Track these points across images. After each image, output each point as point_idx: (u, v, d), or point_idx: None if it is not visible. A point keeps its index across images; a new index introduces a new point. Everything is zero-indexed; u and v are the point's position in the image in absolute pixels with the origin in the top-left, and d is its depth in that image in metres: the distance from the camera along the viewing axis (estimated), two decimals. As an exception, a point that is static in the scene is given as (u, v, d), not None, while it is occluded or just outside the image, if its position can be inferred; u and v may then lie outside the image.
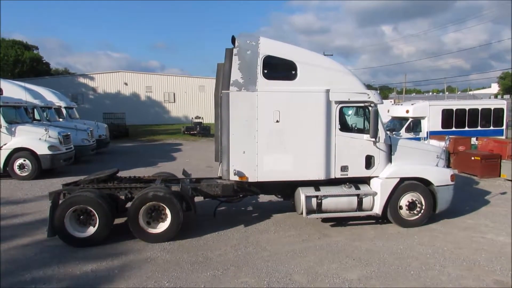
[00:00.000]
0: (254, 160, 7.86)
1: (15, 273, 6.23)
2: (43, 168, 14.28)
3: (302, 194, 7.95)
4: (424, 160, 8.68)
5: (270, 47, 7.89)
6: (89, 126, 20.27)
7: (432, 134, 18.65)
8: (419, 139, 18.68)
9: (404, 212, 8.38)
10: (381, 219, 8.71)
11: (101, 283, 5.89)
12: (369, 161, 8.20)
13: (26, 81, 24.46)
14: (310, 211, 8.01)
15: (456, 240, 7.74)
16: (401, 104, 22.27)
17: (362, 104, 8.22)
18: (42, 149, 14.33)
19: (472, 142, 17.24)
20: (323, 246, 7.38)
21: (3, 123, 14.04)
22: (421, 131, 19.13)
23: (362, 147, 8.17)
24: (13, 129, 14.24)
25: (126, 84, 50.73)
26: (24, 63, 56.39)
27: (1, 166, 13.99)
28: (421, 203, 8.40)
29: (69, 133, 16.43)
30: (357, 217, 8.64)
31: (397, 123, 20.12)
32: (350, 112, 9.16)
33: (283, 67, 8.04)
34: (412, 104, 19.92)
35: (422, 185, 8.42)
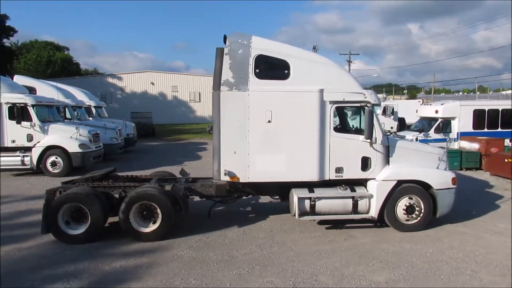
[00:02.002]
0: (245, 161, 7.77)
1: (48, 267, 6.44)
2: (73, 165, 14.71)
3: (295, 195, 7.82)
4: (424, 162, 8.34)
5: (262, 46, 7.78)
6: (118, 125, 20.74)
7: (463, 135, 18.12)
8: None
9: (401, 215, 8.10)
10: (378, 222, 8.48)
11: (130, 279, 6.01)
12: (365, 163, 7.98)
13: (57, 81, 25.28)
14: (303, 213, 7.85)
15: (488, 245, 7.50)
16: (430, 104, 21.75)
17: (358, 104, 8.01)
18: (73, 147, 14.78)
19: (505, 144, 16.66)
20: (349, 248, 7.30)
21: (37, 122, 14.53)
22: (451, 132, 18.62)
23: (358, 148, 7.95)
24: (46, 128, 14.73)
25: (153, 84, 51.62)
26: (55, 63, 58.18)
27: (35, 163, 14.48)
28: (420, 207, 8.09)
29: (98, 132, 16.85)
30: (354, 219, 8.38)
31: (425, 123, 19.66)
32: (346, 112, 8.95)
33: (275, 67, 7.94)
34: (441, 104, 19.42)
35: (421, 188, 8.12)
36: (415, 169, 8.17)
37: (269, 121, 7.70)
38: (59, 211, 7.36)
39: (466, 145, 17.47)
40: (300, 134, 7.75)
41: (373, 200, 7.95)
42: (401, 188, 8.04)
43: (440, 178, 8.22)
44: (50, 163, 14.64)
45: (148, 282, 5.87)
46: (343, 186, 8.03)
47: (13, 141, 14.40)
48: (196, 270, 6.30)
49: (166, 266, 6.45)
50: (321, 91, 7.73)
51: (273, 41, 8.07)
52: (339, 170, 7.90)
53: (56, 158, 14.66)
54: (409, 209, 8.07)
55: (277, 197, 8.83)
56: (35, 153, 14.52)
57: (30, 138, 14.49)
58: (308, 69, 7.82)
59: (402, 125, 24.02)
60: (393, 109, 24.99)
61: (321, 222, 8.55)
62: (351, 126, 9.04)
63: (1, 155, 14.37)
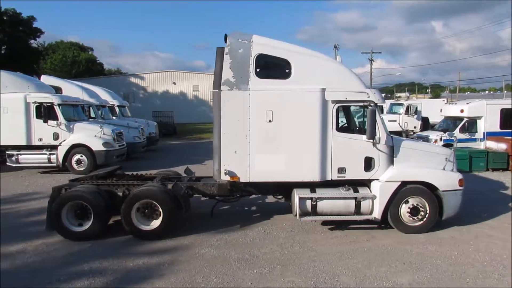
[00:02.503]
0: (245, 160, 7.74)
1: (74, 263, 6.60)
2: (98, 163, 15.00)
3: (296, 195, 7.75)
4: (430, 163, 8.12)
5: (263, 45, 7.72)
6: (140, 124, 21.08)
7: (490, 135, 17.65)
8: (474, 140, 17.78)
9: (406, 217, 7.93)
10: (382, 223, 8.32)
11: (153, 276, 6.11)
12: (368, 163, 7.84)
13: (82, 80, 25.84)
14: (304, 213, 7.77)
15: (516, 248, 7.29)
16: (455, 103, 21.25)
17: (361, 104, 7.87)
18: (97, 146, 15.10)
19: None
20: (372, 249, 7.21)
21: (63, 121, 14.90)
22: (476, 131, 18.15)
23: (361, 149, 7.81)
24: (71, 126, 15.10)
25: (174, 83, 52.22)
26: (80, 63, 59.52)
27: (61, 161, 14.87)
28: (425, 209, 7.90)
29: (122, 131, 17.17)
30: (357, 220, 8.23)
31: (450, 123, 19.23)
32: (350, 112, 8.78)
33: (276, 66, 7.86)
34: (467, 103, 18.94)
35: (427, 189, 7.92)
36: (420, 170, 8.00)
37: (269, 121, 7.66)
38: (63, 208, 7.50)
39: (492, 145, 17.01)
40: (301, 134, 7.69)
41: (376, 201, 7.82)
42: (405, 189, 7.89)
43: (446, 179, 8.01)
44: (75, 161, 15.00)
45: (171, 280, 5.95)
46: (346, 187, 7.92)
47: (40, 140, 14.82)
48: (218, 268, 6.35)
49: (188, 264, 6.52)
50: (323, 90, 7.64)
51: (274, 40, 7.99)
52: (341, 170, 7.80)
53: (81, 156, 15.00)
54: (414, 211, 7.90)
55: (280, 196, 8.78)
56: (61, 151, 14.90)
57: (56, 136, 14.88)
58: (309, 68, 7.74)
59: (426, 124, 23.63)
60: (416, 108, 24.51)
61: (342, 223, 8.47)
62: (358, 126, 8.88)
63: (29, 153, 14.82)
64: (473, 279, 5.99)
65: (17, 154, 14.78)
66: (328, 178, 7.81)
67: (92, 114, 19.74)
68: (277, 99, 7.65)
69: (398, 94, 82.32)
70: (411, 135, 22.62)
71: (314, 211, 7.76)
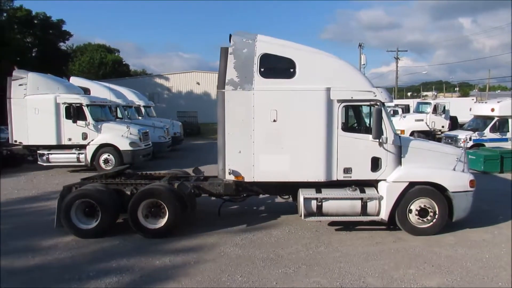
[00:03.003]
0: (250, 160, 7.71)
1: (103, 260, 6.76)
2: (124, 163, 15.25)
3: (301, 195, 7.67)
4: (440, 163, 7.89)
5: (267, 45, 7.68)
6: (165, 124, 21.40)
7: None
8: (506, 139, 17.21)
9: (414, 218, 7.73)
10: (390, 225, 8.14)
11: (179, 274, 6.18)
12: (375, 163, 7.68)
13: (109, 81, 26.45)
14: (309, 214, 7.69)
15: (551, 252, 7.01)
16: (485, 102, 20.63)
17: (367, 103, 7.72)
18: (124, 145, 15.42)
19: None
20: (399, 250, 7.08)
21: (91, 121, 15.28)
22: (508, 131, 17.58)
23: (368, 149, 7.67)
24: (99, 127, 15.47)
25: (198, 83, 52.64)
26: (107, 65, 60.81)
27: (89, 160, 15.25)
28: (434, 210, 7.68)
29: (147, 131, 17.46)
30: (366, 221, 8.02)
31: (480, 122, 18.70)
32: (360, 111, 8.63)
33: (281, 65, 7.77)
34: (498, 102, 18.36)
35: (436, 190, 7.69)
36: (429, 170, 7.80)
37: (274, 121, 7.62)
38: (72, 206, 7.67)
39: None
40: (306, 133, 7.63)
41: (383, 202, 7.67)
42: (414, 190, 7.70)
43: (456, 180, 7.78)
44: (103, 160, 15.35)
45: (197, 278, 6.01)
46: (353, 187, 7.79)
47: (70, 139, 15.24)
48: (243, 267, 6.37)
49: (213, 263, 6.57)
50: (328, 89, 7.56)
51: (279, 39, 7.95)
52: (347, 170, 7.70)
53: (109, 155, 15.35)
54: (422, 212, 7.70)
55: (287, 196, 8.74)
56: (89, 151, 15.29)
57: (85, 136, 15.27)
58: (314, 67, 7.67)
59: (454, 124, 23.03)
60: (444, 107, 23.89)
61: (368, 223, 8.34)
62: (365, 125, 8.75)
63: (59, 152, 15.27)
64: (506, 283, 5.80)
65: (48, 154, 15.25)
66: (334, 178, 7.73)
67: (119, 115, 20.17)
68: (281, 98, 7.63)
69: (425, 93, 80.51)
70: (439, 134, 22.09)
71: (320, 212, 7.69)
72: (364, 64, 51.32)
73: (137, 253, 7.00)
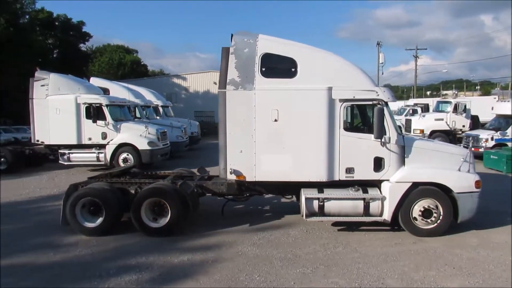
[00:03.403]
0: (251, 160, 7.70)
1: (123, 257, 6.86)
2: (143, 162, 15.50)
3: (302, 195, 7.62)
4: (445, 163, 7.75)
5: (269, 44, 7.67)
6: (183, 124, 21.57)
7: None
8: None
9: (418, 219, 7.61)
10: (394, 226, 8.02)
11: (197, 272, 6.23)
12: (378, 164, 7.58)
13: (127, 82, 26.79)
14: (311, 214, 7.64)
15: None
16: (508, 101, 20.12)
17: (370, 102, 7.59)
18: (142, 145, 15.61)
19: None
20: (419, 252, 6.97)
21: (110, 121, 15.51)
22: (532, 130, 17.11)
23: (370, 148, 7.57)
24: (118, 126, 15.69)
25: (215, 83, 52.60)
26: (126, 65, 61.65)
27: (108, 159, 15.48)
28: (438, 211, 7.54)
29: (165, 130, 17.64)
30: (369, 222, 7.91)
31: (502, 121, 18.24)
32: (366, 110, 8.44)
33: (282, 65, 7.72)
34: (521, 100, 17.89)
35: (440, 191, 7.54)
36: (433, 171, 7.68)
37: (275, 120, 7.60)
38: (77, 205, 7.80)
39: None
40: (308, 133, 7.59)
41: (386, 203, 7.57)
42: (417, 190, 7.58)
43: (461, 180, 7.63)
44: (122, 159, 15.56)
45: (215, 277, 6.04)
46: (355, 187, 7.71)
47: (90, 139, 15.50)
48: (260, 267, 6.37)
49: (231, 262, 6.59)
50: (330, 89, 7.51)
51: (281, 39, 7.94)
52: (349, 170, 7.63)
53: (128, 155, 15.55)
54: (426, 213, 7.57)
55: (290, 196, 8.71)
56: (109, 150, 15.52)
57: (104, 136, 15.51)
58: (316, 67, 7.63)
59: (476, 123, 22.53)
60: (465, 106, 23.38)
61: (381, 224, 8.24)
62: (368, 125, 8.63)
63: (79, 151, 15.56)
64: (531, 286, 5.65)
65: (69, 153, 15.54)
66: (336, 178, 7.67)
67: (138, 114, 20.41)
68: (283, 98, 7.62)
69: (445, 92, 79.09)
70: (460, 134, 21.64)
71: (322, 212, 7.64)
72: (382, 63, 50.84)
73: (156, 251, 7.08)
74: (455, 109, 22.60)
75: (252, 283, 5.82)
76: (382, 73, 50.88)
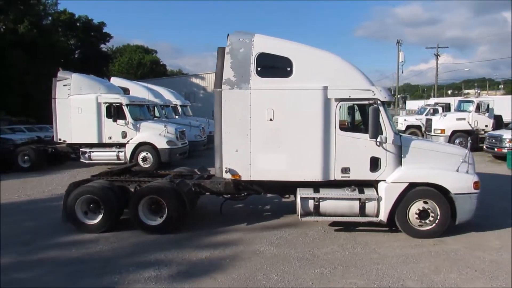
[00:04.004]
0: (247, 159, 7.68)
1: (142, 254, 6.96)
2: (162, 161, 15.66)
3: (298, 195, 7.58)
4: (443, 164, 7.59)
5: (264, 44, 7.63)
6: (201, 123, 21.71)
7: None
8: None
9: (414, 220, 7.48)
10: (389, 226, 7.90)
11: (215, 270, 6.27)
12: (375, 164, 7.47)
13: (147, 81, 27.10)
14: (306, 213, 7.60)
15: None
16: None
17: (366, 102, 7.47)
18: (161, 144, 15.76)
19: None
20: (439, 253, 6.85)
21: (130, 120, 15.73)
22: (559, 130, 16.61)
23: (366, 148, 7.46)
24: (138, 125, 15.89)
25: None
26: (145, 65, 62.45)
27: (128, 158, 15.71)
28: (435, 212, 7.40)
29: (184, 129, 17.78)
30: (366, 222, 7.81)
31: (527, 121, 17.76)
32: (362, 110, 8.33)
33: (277, 64, 7.68)
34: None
35: (437, 191, 7.41)
36: (430, 171, 7.54)
37: (270, 120, 7.57)
38: (77, 202, 7.95)
39: None
40: (303, 132, 7.54)
41: (382, 203, 7.46)
42: (414, 191, 7.46)
43: (459, 181, 7.47)
44: (141, 158, 15.75)
45: (232, 275, 6.07)
46: (352, 187, 7.63)
47: (110, 138, 15.74)
48: (278, 266, 6.37)
49: (249, 261, 6.61)
50: (325, 88, 7.44)
51: (276, 39, 7.90)
52: (345, 170, 7.55)
53: (147, 153, 15.74)
54: (423, 214, 7.45)
55: (287, 196, 8.68)
56: (129, 149, 15.73)
57: (124, 135, 15.73)
58: (311, 66, 7.58)
59: (499, 123, 22.01)
60: (488, 105, 22.83)
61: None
62: (357, 124, 8.56)
63: (100, 150, 15.84)
64: (557, 291, 5.49)
65: (90, 151, 15.83)
66: (332, 178, 7.62)
67: (157, 114, 20.64)
68: (278, 98, 7.60)
69: (466, 91, 77.45)
70: (482, 134, 21.15)
71: (317, 211, 7.60)
72: (402, 62, 50.16)
73: (175, 248, 7.16)
74: (478, 109, 22.08)
75: (270, 283, 5.82)
76: (402, 72, 50.30)
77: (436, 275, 6.01)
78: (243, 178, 7.88)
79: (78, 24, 50.27)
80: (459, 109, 24.69)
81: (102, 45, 56.53)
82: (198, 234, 7.92)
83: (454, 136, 20.90)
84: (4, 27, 37.37)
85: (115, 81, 21.23)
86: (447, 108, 28.58)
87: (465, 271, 6.15)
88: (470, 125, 21.54)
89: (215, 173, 8.16)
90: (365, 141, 7.52)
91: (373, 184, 7.78)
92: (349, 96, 7.55)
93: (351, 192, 7.63)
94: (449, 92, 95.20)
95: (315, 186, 7.76)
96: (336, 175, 7.62)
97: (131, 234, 7.92)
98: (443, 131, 20.98)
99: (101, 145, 15.81)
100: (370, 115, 7.22)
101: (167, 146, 15.78)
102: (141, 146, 15.77)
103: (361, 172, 7.59)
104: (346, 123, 9.01)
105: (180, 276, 6.07)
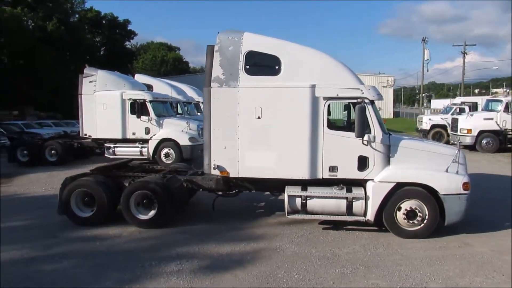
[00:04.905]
0: (235, 156, 7.70)
1: (164, 249, 7.06)
2: (184, 157, 15.83)
3: (285, 193, 7.53)
4: (433, 164, 7.44)
5: (253, 42, 7.62)
6: (223, 120, 21.74)
7: None
8: None
9: (402, 220, 7.35)
10: (378, 226, 7.77)
11: (235, 266, 6.31)
12: (363, 163, 7.38)
13: (169, 78, 27.38)
14: (294, 211, 7.60)
15: None
16: None
17: (354, 100, 7.35)
18: (184, 140, 15.94)
19: None
20: (464, 256, 6.69)
21: (154, 116, 15.95)
22: None
23: (354, 147, 7.38)
24: (161, 122, 16.10)
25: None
26: (168, 62, 63.23)
27: (151, 154, 15.94)
28: (423, 213, 7.29)
29: (206, 126, 17.85)
30: (354, 221, 7.74)
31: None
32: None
33: (266, 62, 7.65)
34: None
35: (425, 192, 7.28)
36: (417, 171, 7.40)
37: (259, 117, 7.58)
38: (71, 195, 8.13)
39: None
40: (290, 130, 7.51)
41: (369, 202, 7.36)
42: (402, 191, 7.35)
43: (447, 182, 7.30)
44: (164, 154, 15.98)
45: (253, 272, 6.09)
46: (340, 186, 7.56)
47: (134, 134, 16.02)
48: (299, 264, 6.35)
49: (270, 258, 6.61)
50: (313, 86, 7.39)
51: (265, 37, 7.89)
52: (333, 169, 7.49)
53: (169, 150, 15.94)
54: (410, 214, 7.32)
55: (278, 193, 8.65)
56: (152, 145, 15.97)
57: (147, 131, 15.97)
58: (299, 64, 7.54)
59: (528, 123, 21.27)
60: (517, 105, 22.16)
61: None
62: (345, 123, 8.42)
63: (124, 145, 16.13)
64: None
65: (114, 147, 16.16)
66: (319, 176, 7.57)
67: (179, 110, 20.85)
68: (266, 95, 7.60)
69: (495, 90, 75.20)
70: (511, 134, 20.51)
71: (304, 209, 7.59)
72: (427, 60, 49.12)
73: (195, 243, 7.24)
74: (507, 108, 21.40)
75: (291, 281, 5.81)
76: (427, 70, 49.20)
77: (461, 278, 5.88)
78: (231, 175, 7.95)
79: (104, 22, 51.32)
80: (486, 108, 23.99)
81: (127, 42, 57.53)
82: (220, 229, 7.98)
83: (481, 137, 20.34)
84: (33, 24, 38.47)
85: (139, 78, 21.54)
86: (474, 107, 27.80)
87: (491, 275, 5.98)
88: (498, 125, 20.89)
89: (204, 169, 8.26)
90: (353, 140, 7.47)
91: (362, 183, 7.74)
92: (337, 95, 7.52)
93: (338, 191, 7.60)
94: (476, 91, 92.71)
95: (304, 184, 7.76)
96: (323, 173, 7.61)
97: (153, 228, 8.02)
98: (469, 131, 20.43)
99: (125, 140, 16.11)
100: (356, 113, 7.20)
101: (189, 143, 15.94)
102: (164, 142, 15.98)
103: (348, 171, 7.56)
104: (334, 122, 8.93)
105: (201, 272, 6.13)
